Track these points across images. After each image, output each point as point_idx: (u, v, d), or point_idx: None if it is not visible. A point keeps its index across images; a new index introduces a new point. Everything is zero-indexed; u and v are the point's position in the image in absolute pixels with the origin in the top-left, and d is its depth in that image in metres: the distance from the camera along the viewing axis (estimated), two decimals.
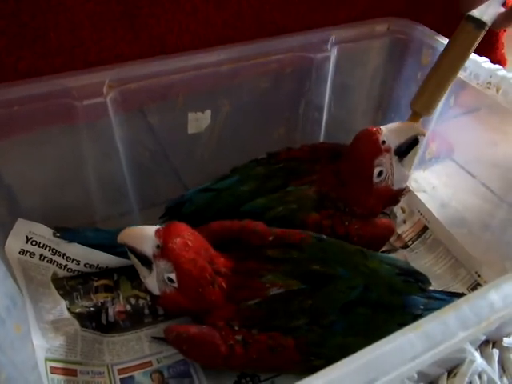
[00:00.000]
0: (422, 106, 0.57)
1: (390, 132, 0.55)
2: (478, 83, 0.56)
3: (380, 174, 0.55)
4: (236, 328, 0.45)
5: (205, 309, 0.47)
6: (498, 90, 0.54)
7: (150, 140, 0.57)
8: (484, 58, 0.57)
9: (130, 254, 0.47)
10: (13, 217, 0.54)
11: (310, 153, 0.61)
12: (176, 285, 0.46)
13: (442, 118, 0.64)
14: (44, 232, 0.54)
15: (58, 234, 0.55)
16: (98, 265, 0.57)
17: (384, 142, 0.54)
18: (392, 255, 0.62)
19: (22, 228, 0.53)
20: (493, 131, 0.61)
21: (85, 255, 0.56)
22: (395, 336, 0.33)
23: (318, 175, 0.58)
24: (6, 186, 0.54)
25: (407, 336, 0.33)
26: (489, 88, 0.55)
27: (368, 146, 0.55)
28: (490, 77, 0.55)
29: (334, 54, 0.61)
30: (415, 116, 0.58)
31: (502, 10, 0.53)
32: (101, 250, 0.56)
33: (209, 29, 0.55)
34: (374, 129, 0.55)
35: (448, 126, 0.66)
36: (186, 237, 0.46)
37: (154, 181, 0.61)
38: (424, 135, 0.56)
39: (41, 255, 0.54)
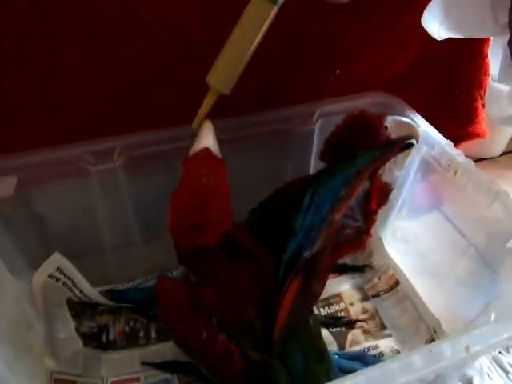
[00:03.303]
0: (217, 80, 0.52)
1: (392, 121, 0.52)
2: (440, 164, 0.60)
3: None
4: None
5: None
6: (455, 173, 0.59)
7: (156, 195, 0.62)
8: (448, 141, 0.61)
9: None
10: (41, 242, 0.65)
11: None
12: None
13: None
14: (71, 269, 0.63)
15: (109, 296, 0.66)
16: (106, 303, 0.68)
17: (386, 127, 0.52)
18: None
19: (56, 259, 0.63)
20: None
21: (97, 297, 0.66)
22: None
23: None
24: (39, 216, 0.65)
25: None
26: (448, 170, 0.59)
27: (373, 126, 0.52)
28: (450, 160, 0.59)
29: (318, 125, 0.67)
30: (212, 93, 0.53)
31: None
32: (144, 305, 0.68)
33: None
34: (379, 113, 0.52)
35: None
36: None
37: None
38: (419, 139, 0.53)
39: (64, 282, 0.64)
